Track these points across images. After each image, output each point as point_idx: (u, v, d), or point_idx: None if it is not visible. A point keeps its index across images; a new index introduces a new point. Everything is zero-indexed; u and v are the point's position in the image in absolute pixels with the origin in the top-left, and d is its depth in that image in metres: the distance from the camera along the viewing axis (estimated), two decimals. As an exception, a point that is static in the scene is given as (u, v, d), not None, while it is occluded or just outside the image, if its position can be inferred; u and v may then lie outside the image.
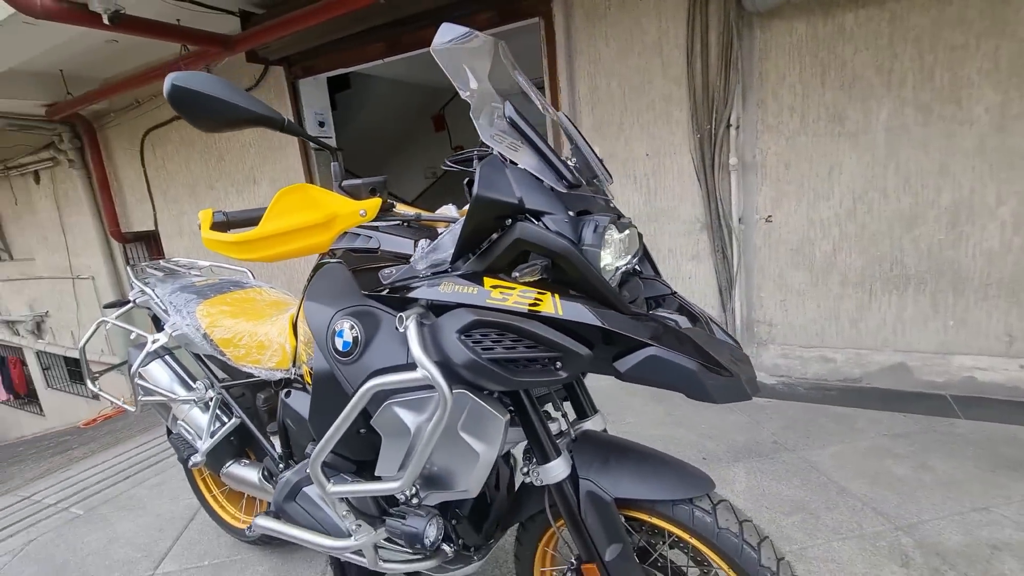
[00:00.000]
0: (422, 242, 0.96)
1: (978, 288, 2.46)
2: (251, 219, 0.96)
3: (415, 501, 1.04)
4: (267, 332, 1.39)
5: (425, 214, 1.07)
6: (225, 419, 1.62)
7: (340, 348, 1.01)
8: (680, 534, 1.01)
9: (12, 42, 3.55)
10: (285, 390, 1.34)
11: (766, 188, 2.80)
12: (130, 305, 1.82)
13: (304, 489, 1.24)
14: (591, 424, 1.16)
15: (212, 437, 1.60)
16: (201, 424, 1.64)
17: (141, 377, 1.73)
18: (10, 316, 7.43)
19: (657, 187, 3.07)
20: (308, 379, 1.20)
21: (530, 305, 0.86)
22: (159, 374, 1.73)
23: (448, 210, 1.17)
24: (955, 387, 2.57)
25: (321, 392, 1.08)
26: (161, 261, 1.97)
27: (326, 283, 1.10)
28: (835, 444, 2.26)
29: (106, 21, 2.99)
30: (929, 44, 2.34)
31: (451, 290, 0.91)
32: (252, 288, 1.77)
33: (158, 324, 1.74)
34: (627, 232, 0.97)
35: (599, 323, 0.84)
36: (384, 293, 0.99)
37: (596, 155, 1.09)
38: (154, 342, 1.69)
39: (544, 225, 0.87)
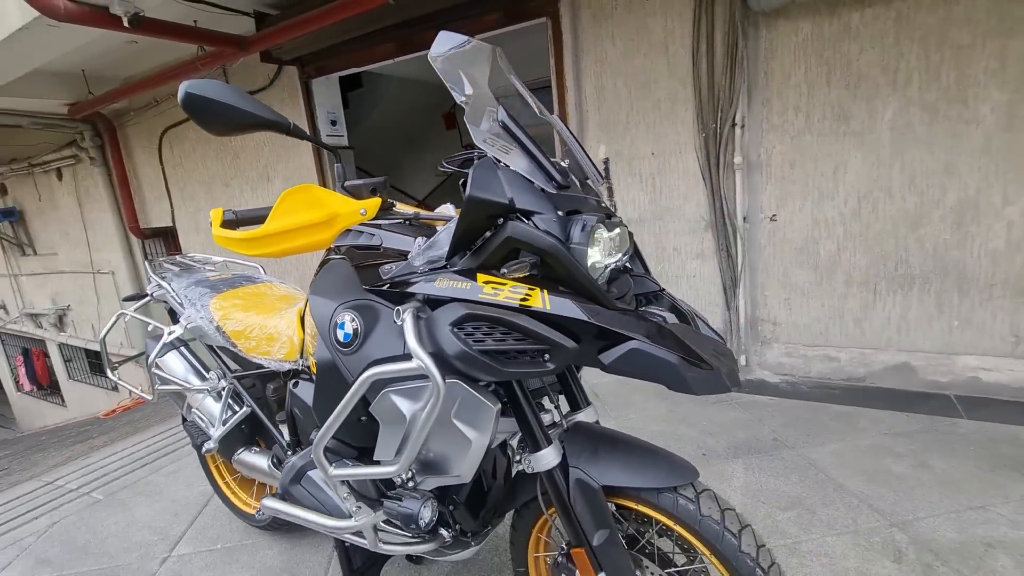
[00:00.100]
0: (419, 239, 1.01)
1: (983, 288, 2.45)
2: (259, 217, 1.02)
3: (411, 485, 1.09)
4: (276, 325, 1.45)
5: (424, 213, 1.12)
6: (236, 408, 1.69)
7: (341, 339, 1.06)
8: (665, 521, 1.05)
9: (37, 44, 3.67)
10: (293, 380, 1.41)
11: (771, 187, 2.81)
12: (148, 298, 1.90)
13: (308, 473, 1.30)
14: (583, 416, 1.20)
15: (224, 425, 1.67)
16: (214, 412, 1.71)
17: (158, 367, 1.80)
18: (34, 309, 7.66)
19: (662, 186, 3.09)
20: (314, 370, 1.26)
21: (520, 300, 0.91)
22: (175, 364, 1.81)
23: (446, 209, 1.22)
24: (959, 387, 2.56)
25: (324, 381, 1.14)
26: (177, 257, 2.05)
27: (330, 278, 1.16)
28: (835, 442, 2.28)
29: (126, 24, 3.09)
30: (935, 43, 2.33)
31: (446, 285, 0.96)
32: (263, 283, 1.84)
33: (174, 317, 1.82)
34: (617, 231, 1.01)
35: (584, 317, 0.88)
36: (384, 288, 1.04)
37: (589, 157, 1.13)
38: (170, 334, 1.77)
39: (534, 224, 0.91)
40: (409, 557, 1.75)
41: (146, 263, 1.94)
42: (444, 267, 0.99)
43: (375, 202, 0.97)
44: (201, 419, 1.76)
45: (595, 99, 3.16)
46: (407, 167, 7.09)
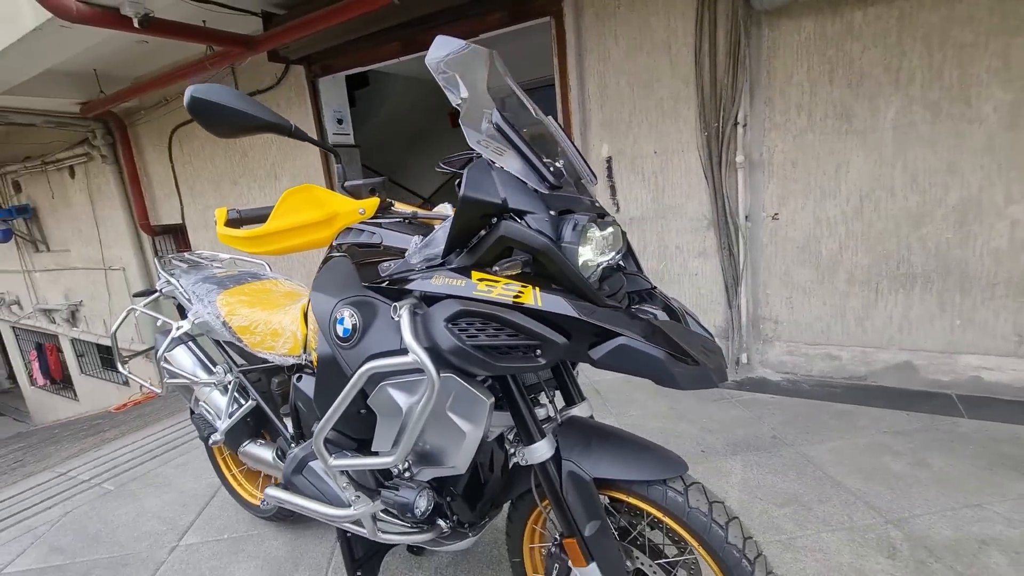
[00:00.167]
0: (415, 238, 1.04)
1: (986, 287, 2.45)
2: (262, 216, 1.05)
3: (407, 475, 1.13)
4: (281, 321, 1.49)
5: (421, 212, 1.15)
6: (242, 401, 1.74)
7: (341, 334, 1.10)
8: (655, 513, 1.07)
9: (50, 44, 3.74)
10: (297, 375, 1.44)
11: (773, 186, 2.81)
12: (157, 294, 1.95)
13: (310, 463, 1.34)
14: (577, 411, 1.23)
15: (230, 418, 1.71)
16: (220, 405, 1.76)
17: (167, 361, 1.85)
18: (47, 305, 7.79)
19: (665, 184, 3.10)
20: (316, 364, 1.29)
21: (514, 297, 0.94)
22: (183, 359, 1.85)
23: (444, 208, 1.25)
24: (961, 386, 2.56)
25: (324, 374, 1.18)
26: (186, 254, 2.10)
27: (331, 275, 1.19)
28: (834, 440, 2.29)
29: (136, 24, 3.15)
30: (938, 42, 2.33)
31: (441, 282, 0.99)
32: (268, 279, 1.88)
33: (182, 312, 1.87)
34: (609, 230, 1.04)
35: (575, 314, 0.91)
36: (382, 285, 1.07)
37: (583, 158, 1.16)
38: (178, 329, 1.81)
39: (526, 224, 0.94)
40: (410, 549, 1.79)
41: (156, 260, 1.99)
42: (441, 265, 1.02)
43: (373, 202, 1.00)
44: (208, 412, 1.81)
45: (598, 98, 3.18)
46: (413, 165, 7.13)
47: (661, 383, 0.90)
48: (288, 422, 1.59)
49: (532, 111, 1.16)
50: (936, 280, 2.54)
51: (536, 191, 0.96)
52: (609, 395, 2.91)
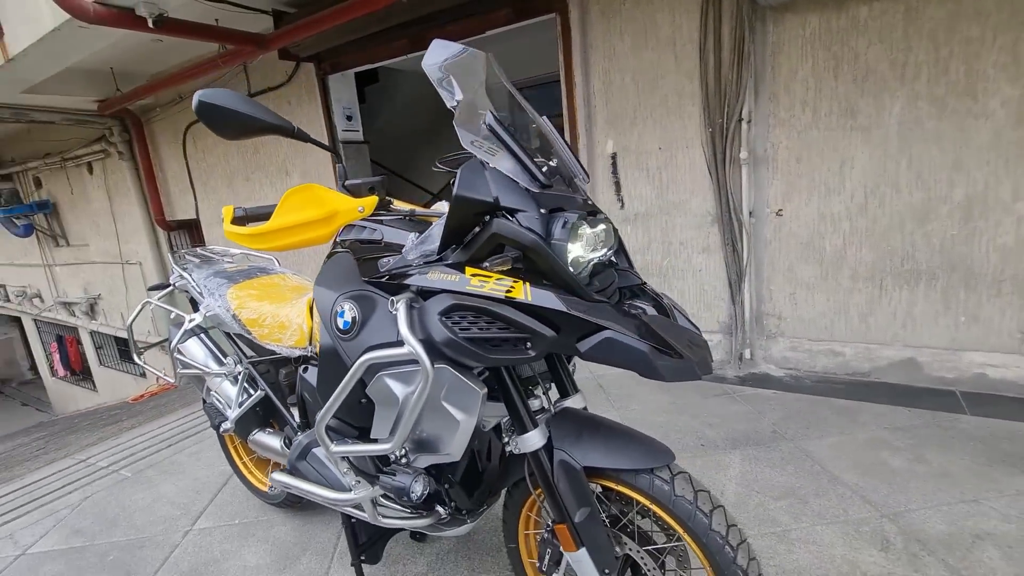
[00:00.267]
0: (412, 235, 1.08)
1: (991, 284, 2.44)
2: (266, 214, 1.11)
3: (404, 461, 1.18)
4: (288, 314, 1.55)
5: (419, 210, 1.20)
6: (251, 391, 1.80)
7: (341, 327, 1.15)
8: (643, 501, 1.11)
9: (68, 44, 3.84)
10: (303, 366, 1.50)
11: (777, 182, 2.81)
12: (170, 288, 2.02)
13: (313, 450, 1.40)
14: (571, 402, 1.27)
15: (240, 407, 1.78)
16: (231, 395, 1.82)
17: (180, 352, 1.92)
18: (67, 298, 7.99)
19: (669, 180, 3.11)
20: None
21: (505, 292, 0.98)
22: (195, 350, 1.92)
23: (442, 206, 1.29)
24: (965, 383, 2.56)
25: (326, 365, 1.23)
26: (198, 249, 2.16)
27: (333, 269, 1.24)
28: (834, 435, 2.30)
29: (151, 24, 3.23)
30: (944, 37, 2.32)
31: (437, 277, 1.03)
32: (277, 274, 1.94)
33: (195, 305, 1.94)
34: (600, 227, 1.07)
35: (563, 308, 0.95)
36: (381, 279, 1.12)
37: (576, 157, 1.19)
38: (191, 321, 1.88)
39: (517, 221, 0.98)
40: (413, 535, 1.85)
41: (170, 254, 2.06)
42: (437, 261, 1.07)
43: (372, 200, 1.04)
44: (219, 401, 1.88)
45: (603, 94, 3.20)
46: (422, 161, 7.18)
47: (645, 375, 0.94)
48: (295, 411, 1.65)
49: (527, 112, 1.19)
50: (941, 277, 2.54)
51: (527, 190, 1.00)
52: (611, 389, 2.94)
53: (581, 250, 1.02)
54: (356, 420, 1.22)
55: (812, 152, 2.69)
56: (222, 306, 1.72)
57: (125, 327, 2.08)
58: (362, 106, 4.73)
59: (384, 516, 1.32)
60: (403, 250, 1.10)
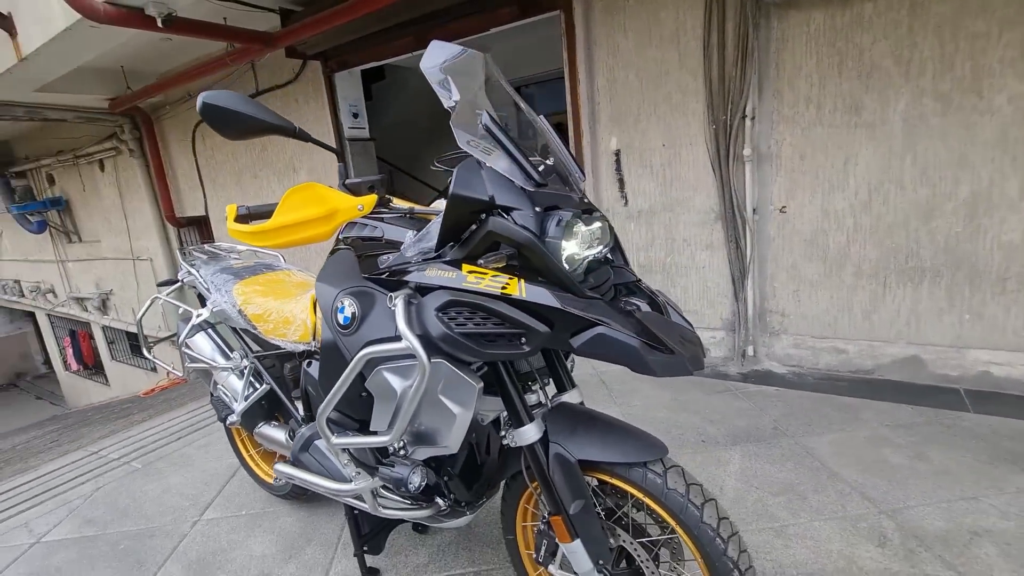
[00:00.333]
0: (409, 232, 1.11)
1: (996, 282, 2.43)
2: (268, 212, 1.13)
3: (403, 454, 1.20)
4: (292, 309, 1.58)
5: (418, 208, 1.22)
6: (257, 385, 1.84)
7: (341, 322, 1.18)
8: (636, 494, 1.13)
9: (79, 44, 3.90)
10: (307, 360, 1.53)
11: (781, 179, 2.81)
12: (179, 284, 2.06)
13: (315, 442, 1.43)
14: (568, 397, 1.29)
15: (246, 400, 1.82)
16: (237, 389, 1.86)
17: (187, 347, 1.96)
18: (79, 293, 8.13)
19: (673, 177, 3.11)
20: None
21: (501, 289, 1.00)
22: (202, 345, 1.96)
23: (440, 204, 1.31)
24: (969, 381, 2.55)
25: (327, 359, 1.26)
26: (206, 245, 2.21)
27: (335, 266, 1.27)
28: (835, 432, 2.31)
29: (160, 24, 3.27)
30: (950, 33, 2.30)
31: (434, 274, 1.06)
32: (282, 270, 1.97)
33: (202, 301, 1.98)
34: (596, 225, 1.09)
35: (556, 304, 0.97)
36: (381, 276, 1.15)
37: (573, 157, 1.21)
38: (198, 317, 1.92)
39: (512, 219, 1.00)
40: (414, 527, 1.88)
41: (179, 251, 2.10)
42: (435, 258, 1.09)
43: (371, 198, 1.07)
44: (226, 395, 1.92)
45: (607, 91, 3.20)
46: (428, 158, 7.17)
47: (637, 370, 0.96)
48: (299, 405, 1.68)
49: (525, 111, 1.21)
50: (945, 274, 2.53)
51: (523, 188, 1.02)
52: (614, 385, 2.96)
53: (576, 247, 1.04)
54: (356, 413, 1.25)
55: (816, 149, 2.69)
56: (228, 302, 1.76)
57: (135, 322, 2.12)
58: (368, 103, 4.75)
59: (384, 507, 1.35)
60: (402, 247, 1.13)
